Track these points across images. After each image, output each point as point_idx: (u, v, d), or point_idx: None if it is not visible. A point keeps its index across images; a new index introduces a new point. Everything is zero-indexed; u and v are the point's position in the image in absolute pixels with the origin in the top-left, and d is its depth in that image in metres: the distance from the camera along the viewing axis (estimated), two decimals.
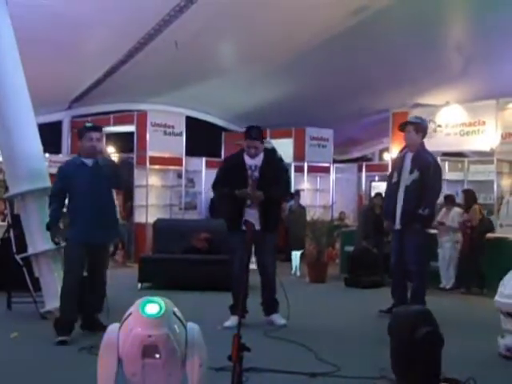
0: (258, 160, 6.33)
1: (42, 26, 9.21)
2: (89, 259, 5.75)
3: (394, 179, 6.72)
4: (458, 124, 11.66)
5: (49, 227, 5.77)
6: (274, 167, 6.45)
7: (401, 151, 6.93)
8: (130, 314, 2.99)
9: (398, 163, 6.81)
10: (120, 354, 2.98)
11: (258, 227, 6.11)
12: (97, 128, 6.05)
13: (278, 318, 6.29)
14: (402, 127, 6.79)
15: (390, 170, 12.19)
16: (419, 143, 6.67)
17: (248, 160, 6.31)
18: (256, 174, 6.26)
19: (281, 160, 7.25)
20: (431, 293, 8.86)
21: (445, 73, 12.18)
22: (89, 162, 5.76)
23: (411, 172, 6.55)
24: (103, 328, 5.63)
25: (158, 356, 2.91)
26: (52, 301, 6.34)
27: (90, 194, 5.64)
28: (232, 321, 6.16)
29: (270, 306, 6.36)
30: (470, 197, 9.42)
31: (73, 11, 9.01)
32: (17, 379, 4.46)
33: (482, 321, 6.65)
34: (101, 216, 5.69)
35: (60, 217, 5.86)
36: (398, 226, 6.62)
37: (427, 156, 6.67)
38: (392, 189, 6.76)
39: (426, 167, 6.52)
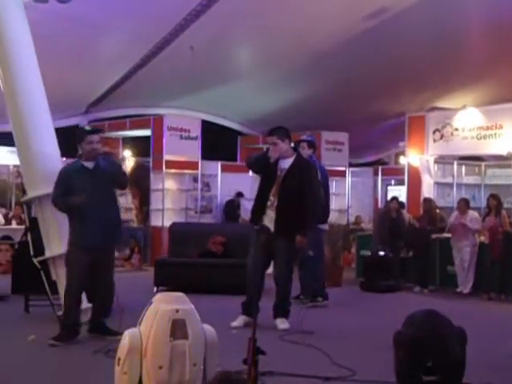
0: (288, 163, 6.26)
1: (59, 31, 9.29)
2: (92, 264, 5.67)
3: None
4: (474, 128, 11.57)
5: (71, 207, 5.66)
6: (302, 174, 6.22)
7: None
8: (148, 308, 2.99)
9: None
10: (144, 350, 2.88)
11: (272, 230, 6.16)
12: (96, 131, 6.12)
13: (281, 323, 6.27)
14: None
15: (406, 173, 12.41)
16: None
17: (281, 162, 6.25)
18: (282, 176, 6.20)
19: (312, 169, 6.53)
20: (449, 297, 8.87)
21: (461, 76, 12.11)
22: (89, 165, 5.77)
23: None
24: (111, 333, 5.68)
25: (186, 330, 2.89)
26: None
27: (90, 198, 5.56)
28: (239, 321, 6.17)
29: (277, 311, 6.36)
30: (499, 202, 9.19)
31: (90, 16, 9.08)
32: (34, 382, 4.50)
33: (498, 325, 6.61)
34: (102, 219, 5.64)
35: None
36: None
37: None
38: None
39: None
